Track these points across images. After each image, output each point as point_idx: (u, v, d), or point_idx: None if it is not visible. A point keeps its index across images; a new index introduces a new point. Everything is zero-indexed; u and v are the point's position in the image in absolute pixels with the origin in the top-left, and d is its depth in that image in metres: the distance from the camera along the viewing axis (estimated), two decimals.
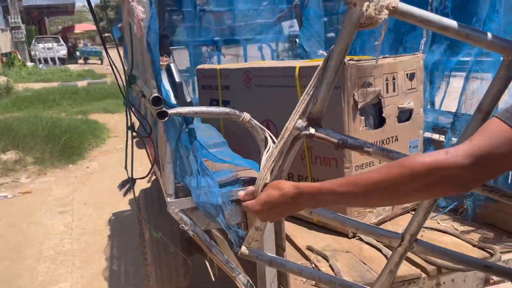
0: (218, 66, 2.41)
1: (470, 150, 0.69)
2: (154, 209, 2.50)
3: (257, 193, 0.97)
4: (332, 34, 3.65)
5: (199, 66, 2.53)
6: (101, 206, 5.00)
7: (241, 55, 4.07)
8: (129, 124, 1.34)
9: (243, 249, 1.07)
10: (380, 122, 1.88)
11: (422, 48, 2.60)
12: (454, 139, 2.11)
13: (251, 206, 0.95)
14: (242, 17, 3.99)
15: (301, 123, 0.96)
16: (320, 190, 0.85)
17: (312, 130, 0.97)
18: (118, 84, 1.31)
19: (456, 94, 2.39)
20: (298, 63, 1.94)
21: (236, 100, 2.18)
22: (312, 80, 0.96)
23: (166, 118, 1.18)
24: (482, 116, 1.00)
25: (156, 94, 1.16)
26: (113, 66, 1.32)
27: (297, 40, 4.04)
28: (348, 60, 1.71)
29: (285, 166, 0.98)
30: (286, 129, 0.97)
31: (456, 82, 2.53)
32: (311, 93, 0.96)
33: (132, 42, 1.28)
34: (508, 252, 1.67)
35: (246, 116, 1.27)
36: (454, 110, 2.30)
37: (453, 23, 0.93)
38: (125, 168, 1.48)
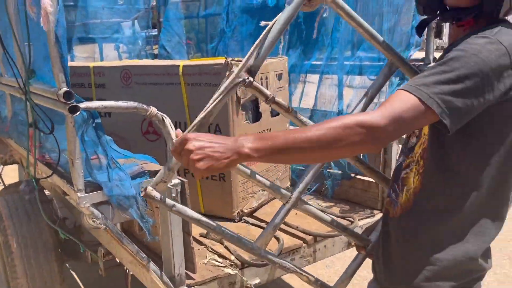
0: (91, 64, 2.34)
1: (386, 114, 0.87)
2: (20, 217, 2.33)
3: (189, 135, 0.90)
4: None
5: (70, 63, 2.41)
6: None
7: (97, 55, 3.92)
8: (30, 120, 1.27)
9: (149, 189, 1.06)
10: (257, 116, 2.11)
11: (280, 52, 2.93)
12: None
13: (191, 143, 0.87)
14: (97, 15, 3.84)
15: (244, 74, 1.14)
16: (262, 147, 0.87)
17: (251, 79, 1.14)
18: (17, 79, 1.23)
19: (311, 93, 2.78)
20: (180, 62, 2.04)
21: (114, 98, 2.14)
22: (258, 40, 1.14)
23: (78, 113, 1.17)
24: (368, 100, 1.29)
25: (67, 89, 1.15)
26: (9, 59, 1.24)
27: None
28: (231, 60, 1.88)
29: (215, 110, 1.10)
30: (229, 77, 1.12)
31: (309, 84, 2.92)
32: (255, 51, 1.14)
33: (28, 35, 1.23)
34: (362, 219, 2.06)
35: (153, 110, 1.34)
36: (311, 107, 2.68)
37: (370, 27, 1.21)
38: (27, 168, 1.39)
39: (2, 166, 4.03)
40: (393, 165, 2.10)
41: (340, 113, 2.46)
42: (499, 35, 0.92)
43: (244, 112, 1.99)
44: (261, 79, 2.05)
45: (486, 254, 1.06)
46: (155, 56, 4.06)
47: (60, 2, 1.13)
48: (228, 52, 3.18)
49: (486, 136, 0.97)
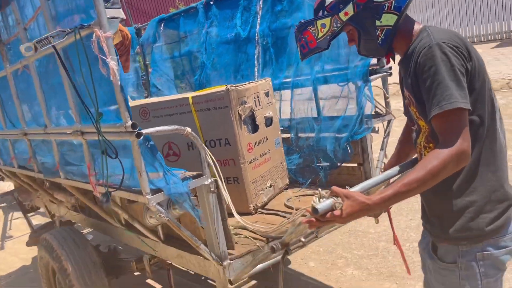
0: None
1: (458, 137, 1.28)
2: (69, 245, 2.74)
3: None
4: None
5: None
6: None
7: None
8: (102, 149, 1.72)
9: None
10: (255, 128, 2.61)
11: (256, 74, 3.45)
12: (299, 134, 2.98)
13: (338, 220, 1.31)
14: None
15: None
16: (391, 195, 1.29)
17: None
18: (93, 121, 1.70)
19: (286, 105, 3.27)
20: (189, 95, 2.56)
21: None
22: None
23: (141, 137, 1.65)
24: None
25: (133, 122, 1.63)
26: (86, 107, 1.70)
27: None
28: (230, 87, 2.39)
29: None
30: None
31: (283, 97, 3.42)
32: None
33: (94, 85, 1.69)
34: None
35: (188, 129, 1.83)
36: (288, 116, 3.18)
37: None
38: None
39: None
40: (369, 150, 2.64)
41: (319, 118, 2.94)
42: (435, 37, 1.34)
43: (245, 126, 2.49)
44: (254, 98, 2.57)
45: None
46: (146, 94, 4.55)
47: (119, 63, 1.62)
48: (210, 82, 3.69)
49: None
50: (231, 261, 1.96)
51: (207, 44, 3.85)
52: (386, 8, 1.43)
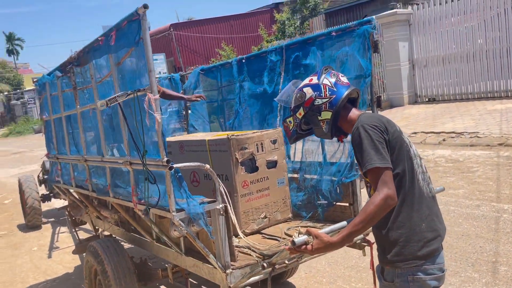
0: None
1: (384, 186, 1.81)
2: (111, 252, 3.40)
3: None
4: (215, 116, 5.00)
5: None
6: (10, 284, 5.29)
7: None
8: (146, 176, 2.40)
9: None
10: (255, 169, 3.24)
11: (278, 124, 4.10)
12: (305, 175, 3.56)
13: (308, 252, 1.88)
14: None
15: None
16: (345, 235, 1.82)
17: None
18: (140, 156, 2.39)
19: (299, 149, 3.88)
20: (207, 137, 3.30)
21: (176, 161, 3.40)
22: None
23: (173, 170, 2.31)
24: None
25: (167, 158, 2.29)
26: (136, 145, 2.40)
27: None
28: (231, 136, 3.06)
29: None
30: None
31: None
32: None
33: (143, 130, 2.39)
34: None
35: (207, 166, 2.48)
36: (300, 159, 3.77)
37: None
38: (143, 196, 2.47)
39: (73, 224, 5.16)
40: (358, 193, 3.18)
41: (323, 163, 3.52)
42: (360, 121, 1.98)
43: (243, 167, 3.14)
44: (257, 144, 3.22)
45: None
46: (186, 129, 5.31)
47: (162, 115, 2.30)
48: (242, 126, 4.37)
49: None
50: (233, 270, 2.53)
51: (241, 96, 4.56)
52: (323, 108, 2.11)
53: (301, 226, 3.25)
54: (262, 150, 3.28)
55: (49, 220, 7.89)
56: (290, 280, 4.42)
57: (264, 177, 3.30)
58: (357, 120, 2.04)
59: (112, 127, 2.95)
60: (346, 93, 2.11)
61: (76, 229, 5.40)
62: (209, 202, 2.48)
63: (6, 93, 41.79)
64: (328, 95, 2.12)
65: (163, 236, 2.82)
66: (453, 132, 9.57)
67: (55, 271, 5.51)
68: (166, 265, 3.12)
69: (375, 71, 14.28)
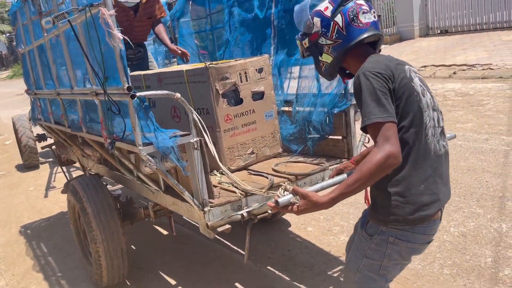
0: (142, 72, 3.39)
1: (387, 146, 1.53)
2: (90, 189, 3.22)
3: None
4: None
5: (130, 73, 3.41)
6: (5, 224, 5.25)
7: None
8: (108, 106, 2.13)
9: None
10: (239, 101, 2.95)
11: (272, 52, 3.74)
12: (297, 108, 3.28)
13: (295, 213, 1.62)
14: None
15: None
16: (336, 196, 1.57)
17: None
18: (100, 83, 2.10)
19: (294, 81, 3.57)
20: (184, 67, 2.99)
21: None
22: None
23: (135, 98, 2.03)
24: None
25: (128, 85, 2.01)
26: (95, 72, 2.11)
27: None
28: (209, 64, 2.75)
29: None
30: None
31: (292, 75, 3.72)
32: None
33: (102, 56, 2.09)
34: (333, 165, 2.85)
35: (178, 95, 2.20)
36: (295, 91, 3.48)
37: None
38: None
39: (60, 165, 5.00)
40: (352, 125, 2.90)
41: (318, 94, 3.22)
42: (364, 67, 1.69)
43: (225, 99, 2.86)
44: (240, 74, 2.91)
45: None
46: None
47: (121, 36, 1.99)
48: (233, 56, 4.02)
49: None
50: (211, 208, 2.33)
51: (231, 23, 4.17)
52: (325, 49, 1.86)
53: (293, 161, 3.01)
54: (247, 80, 2.97)
55: (47, 160, 7.79)
56: (285, 216, 4.28)
57: (249, 110, 3.01)
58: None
59: (79, 54, 2.64)
60: (356, 40, 1.78)
61: (64, 169, 5.26)
62: (182, 136, 2.23)
63: (7, 34, 40.96)
64: (334, 37, 1.81)
65: (138, 173, 2.60)
66: (464, 65, 9.11)
67: (50, 211, 5.45)
68: (147, 204, 2.94)
69: (385, 1, 13.48)
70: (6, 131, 11.41)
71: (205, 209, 2.31)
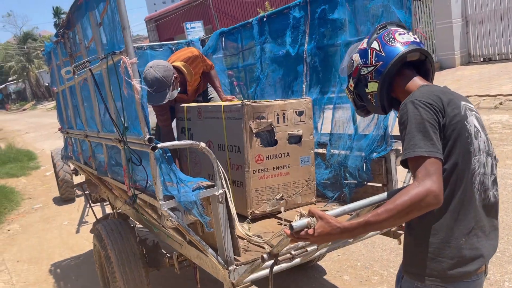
0: (185, 105, 3.38)
1: (429, 183, 1.33)
2: (115, 236, 3.09)
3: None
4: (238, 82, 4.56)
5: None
6: (36, 260, 5.23)
7: None
8: (128, 157, 2.01)
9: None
10: (273, 142, 2.78)
11: (304, 91, 3.58)
12: (331, 151, 3.07)
13: (311, 239, 1.40)
14: None
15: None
16: (360, 224, 1.35)
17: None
18: (120, 133, 1.99)
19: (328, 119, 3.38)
20: (224, 104, 2.89)
21: (194, 128, 3.16)
22: None
23: (156, 150, 1.90)
24: None
25: (149, 136, 1.88)
26: (113, 121, 2.00)
27: None
28: (246, 102, 2.61)
29: None
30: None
31: (328, 113, 3.53)
32: None
33: (122, 103, 1.98)
34: None
35: (202, 145, 2.05)
36: (329, 131, 3.28)
37: None
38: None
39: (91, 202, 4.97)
40: (393, 171, 2.67)
41: (354, 136, 3.01)
42: (413, 95, 1.50)
43: (258, 139, 2.71)
44: (277, 115, 2.75)
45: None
46: None
47: (143, 83, 1.88)
48: (264, 96, 3.89)
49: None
50: (237, 267, 2.14)
51: (262, 60, 4.06)
52: (369, 78, 1.69)
53: (322, 210, 2.78)
54: (284, 122, 2.81)
55: (85, 192, 7.85)
56: (321, 263, 4.01)
57: (284, 153, 2.84)
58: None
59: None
60: (397, 56, 1.61)
61: (95, 206, 5.22)
62: (206, 187, 2.07)
63: None
64: (374, 61, 1.66)
65: (160, 223, 2.45)
66: (511, 95, 8.61)
67: (81, 247, 5.40)
68: (169, 254, 2.78)
69: (423, 29, 13.17)
70: (47, 162, 11.71)
71: (230, 268, 2.12)
